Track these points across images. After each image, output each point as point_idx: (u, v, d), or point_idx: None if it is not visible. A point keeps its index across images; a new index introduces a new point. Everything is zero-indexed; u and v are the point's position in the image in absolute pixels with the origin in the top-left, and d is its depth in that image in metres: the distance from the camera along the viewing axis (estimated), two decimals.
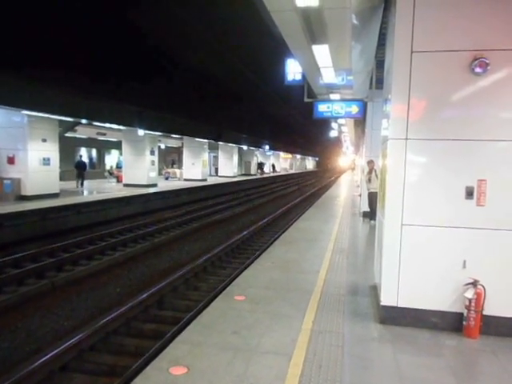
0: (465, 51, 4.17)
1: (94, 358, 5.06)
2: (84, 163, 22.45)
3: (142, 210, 17.62)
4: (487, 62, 4.09)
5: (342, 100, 10.44)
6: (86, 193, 18.72)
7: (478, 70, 4.12)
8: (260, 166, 49.29)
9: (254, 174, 45.51)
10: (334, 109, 10.20)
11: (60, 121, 16.93)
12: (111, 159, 34.01)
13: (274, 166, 58.57)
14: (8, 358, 5.19)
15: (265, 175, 47.69)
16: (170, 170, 32.45)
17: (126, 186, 22.32)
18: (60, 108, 14.97)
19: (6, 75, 12.17)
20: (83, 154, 29.34)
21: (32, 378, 4.42)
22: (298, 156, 79.62)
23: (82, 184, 21.39)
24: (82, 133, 24.42)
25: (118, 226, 13.29)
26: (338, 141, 44.90)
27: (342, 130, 23.58)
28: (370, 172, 11.33)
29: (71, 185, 21.36)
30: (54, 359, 4.71)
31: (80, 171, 21.60)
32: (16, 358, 5.14)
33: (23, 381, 4.33)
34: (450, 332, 4.36)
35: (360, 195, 15.53)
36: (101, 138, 27.89)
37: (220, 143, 34.17)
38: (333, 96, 10.69)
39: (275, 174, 54.96)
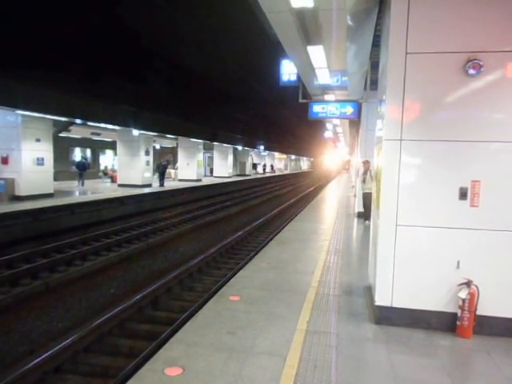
0: (459, 53, 4.19)
1: (88, 359, 5.04)
2: (83, 164, 22.38)
3: (137, 211, 17.57)
4: (481, 63, 4.12)
5: (337, 101, 10.46)
6: (80, 193, 18.64)
7: (471, 71, 4.15)
8: (255, 166, 50.39)
9: (249, 175, 45.56)
10: (329, 110, 10.20)
11: (54, 121, 16.85)
12: (106, 159, 33.92)
13: (272, 166, 62.60)
14: (1, 359, 5.15)
15: (259, 175, 47.97)
16: None
17: (121, 186, 22.25)
18: (54, 108, 14.89)
19: (0, 75, 12.10)
20: (77, 154, 29.25)
21: (25, 379, 4.39)
22: (293, 156, 79.69)
23: (82, 184, 21.42)
24: (76, 133, 24.31)
25: (112, 227, 13.24)
26: (332, 141, 45.01)
27: (336, 130, 23.61)
28: (365, 172, 11.35)
29: (65, 185, 21.29)
30: (47, 360, 4.69)
31: (79, 171, 21.67)
32: (9, 360, 5.11)
33: (17, 382, 4.31)
34: (444, 332, 4.38)
35: (355, 196, 15.57)
36: (95, 138, 27.78)
37: (215, 143, 34.14)
38: (327, 97, 10.71)
39: (270, 174, 55.38)
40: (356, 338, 4.25)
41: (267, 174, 53.10)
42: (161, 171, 24.47)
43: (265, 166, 57.78)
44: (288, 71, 9.93)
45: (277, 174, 59.25)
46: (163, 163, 25.72)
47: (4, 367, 4.79)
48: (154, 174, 25.00)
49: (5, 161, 15.19)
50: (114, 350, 5.28)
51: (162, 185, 23.79)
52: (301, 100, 10.28)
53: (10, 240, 11.02)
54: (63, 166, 25.91)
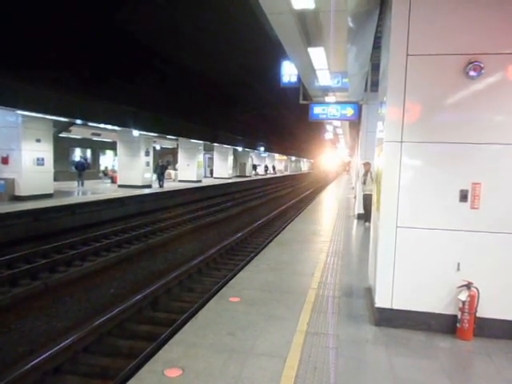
0: (460, 55, 4.20)
1: (87, 359, 5.04)
2: (82, 164, 22.39)
3: (136, 211, 17.56)
4: (481, 65, 4.12)
5: (338, 102, 10.47)
6: (80, 193, 18.64)
7: (472, 73, 4.15)
8: (255, 167, 50.84)
9: (249, 176, 45.60)
10: (329, 111, 10.21)
11: (54, 121, 16.85)
12: (106, 160, 33.95)
13: (274, 167, 64.60)
14: (1, 359, 5.14)
15: (259, 177, 48.07)
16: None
17: (121, 186, 22.25)
18: (54, 108, 14.90)
19: (0, 75, 12.12)
20: (77, 154, 29.27)
21: (25, 379, 4.39)
22: (293, 158, 79.70)
23: (82, 184, 21.41)
24: (76, 133, 24.32)
25: (112, 227, 13.23)
26: (332, 143, 45.09)
27: (337, 132, 23.63)
28: (365, 174, 11.32)
29: (65, 185, 21.30)
30: (47, 361, 4.68)
31: (79, 171, 21.70)
32: (9, 360, 5.10)
33: (16, 382, 4.30)
34: (444, 334, 4.38)
35: (355, 197, 15.57)
36: (95, 138, 27.80)
37: (215, 144, 34.14)
38: (328, 98, 10.72)
39: (271, 175, 55.55)
40: (356, 340, 4.25)
41: (267, 176, 53.23)
42: (159, 172, 24.23)
43: (266, 167, 58.73)
44: (289, 72, 9.94)
45: (277, 175, 59.40)
46: (161, 164, 25.53)
47: (4, 367, 4.79)
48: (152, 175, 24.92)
49: (5, 161, 15.19)
50: (114, 351, 5.28)
51: (161, 186, 23.67)
52: (301, 101, 10.29)
53: (9, 240, 11.01)
54: (63, 167, 25.92)
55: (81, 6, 14.10)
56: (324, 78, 8.23)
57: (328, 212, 15.77)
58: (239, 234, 12.30)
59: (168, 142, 34.29)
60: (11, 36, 12.86)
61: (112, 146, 28.86)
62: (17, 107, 13.75)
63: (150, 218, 16.09)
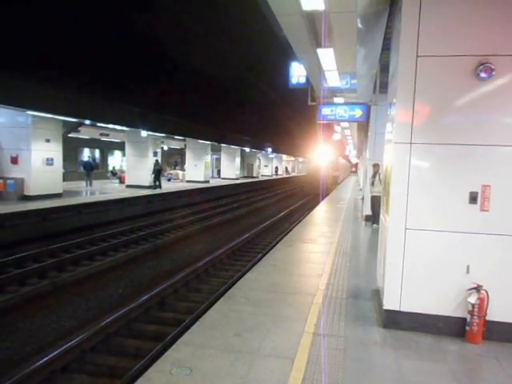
0: (470, 56, 4.16)
1: (95, 359, 5.06)
2: (90, 164, 22.48)
3: (144, 212, 17.62)
4: (492, 67, 4.08)
5: (346, 103, 10.43)
6: (88, 193, 18.75)
7: (483, 75, 4.12)
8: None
9: (256, 177, 45.58)
10: (338, 112, 10.19)
11: (64, 121, 16.98)
12: (114, 160, 34.13)
13: (286, 169, 67.20)
14: (9, 358, 5.18)
15: (266, 178, 48.11)
16: (172, 172, 32.48)
17: (129, 187, 22.33)
18: (64, 108, 15.01)
19: (10, 75, 12.23)
20: (85, 154, 29.44)
21: (33, 378, 4.42)
22: (301, 159, 79.52)
23: (90, 184, 21.47)
24: (85, 133, 24.46)
25: (120, 227, 13.29)
26: (341, 144, 44.93)
27: (345, 133, 23.53)
28: (374, 175, 11.25)
29: (74, 185, 21.45)
30: (54, 360, 4.71)
31: (87, 171, 21.81)
32: (17, 359, 5.14)
33: (24, 381, 4.33)
34: (453, 337, 4.34)
35: (362, 198, 15.50)
36: (104, 138, 27.95)
37: (223, 145, 34.17)
38: (336, 99, 10.68)
39: (281, 176, 55.73)
40: (364, 342, 4.23)
41: (274, 177, 53.29)
42: (156, 173, 23.10)
43: (277, 168, 60.11)
44: (297, 74, 9.94)
45: (284, 176, 59.39)
46: (157, 165, 24.55)
47: (12, 366, 4.82)
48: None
49: (15, 161, 15.34)
50: (122, 351, 5.30)
51: (156, 187, 22.62)
52: (310, 102, 10.27)
53: (18, 239, 11.10)
54: (72, 167, 26.08)
55: (89, 7, 14.20)
56: (332, 79, 8.20)
57: (335, 213, 15.70)
58: (246, 235, 12.30)
59: (176, 143, 34.38)
60: (21, 37, 12.98)
61: (120, 146, 28.98)
62: (27, 108, 13.86)
63: (157, 218, 16.13)
